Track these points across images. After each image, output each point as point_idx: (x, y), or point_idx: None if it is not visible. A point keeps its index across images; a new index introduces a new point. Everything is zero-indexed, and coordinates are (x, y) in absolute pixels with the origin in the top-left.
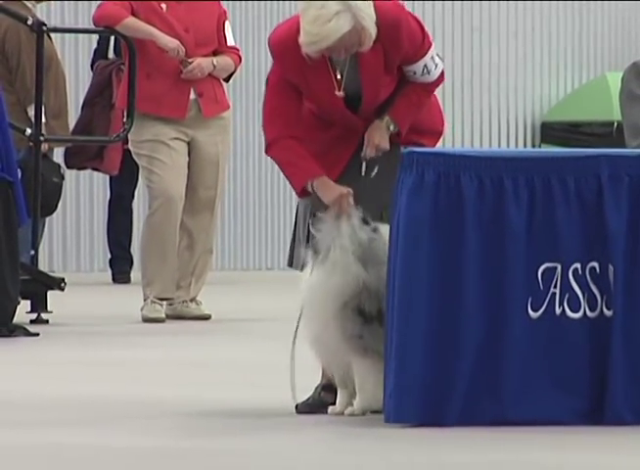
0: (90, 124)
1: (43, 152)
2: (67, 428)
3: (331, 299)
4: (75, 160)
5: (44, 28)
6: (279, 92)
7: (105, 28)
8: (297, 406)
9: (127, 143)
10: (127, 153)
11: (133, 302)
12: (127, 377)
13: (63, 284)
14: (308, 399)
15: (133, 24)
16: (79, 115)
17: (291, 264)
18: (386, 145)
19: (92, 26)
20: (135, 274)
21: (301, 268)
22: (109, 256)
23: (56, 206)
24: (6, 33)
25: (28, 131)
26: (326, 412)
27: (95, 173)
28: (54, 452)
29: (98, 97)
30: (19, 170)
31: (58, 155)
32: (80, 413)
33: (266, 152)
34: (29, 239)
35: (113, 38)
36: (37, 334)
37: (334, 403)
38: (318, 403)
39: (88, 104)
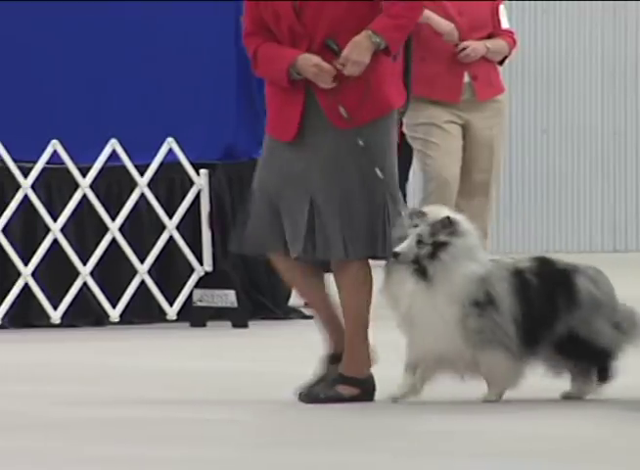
0: None
1: None
2: (354, 409)
3: (451, 304)
4: None
5: None
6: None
7: None
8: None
9: (402, 126)
10: (402, 136)
11: None
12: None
13: None
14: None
15: None
16: None
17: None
18: (364, 59)
19: None
20: None
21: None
22: None
23: None
24: None
25: None
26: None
27: None
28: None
29: None
30: None
31: None
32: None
33: (254, 68)
34: None
35: None
36: (312, 317)
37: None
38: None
39: None
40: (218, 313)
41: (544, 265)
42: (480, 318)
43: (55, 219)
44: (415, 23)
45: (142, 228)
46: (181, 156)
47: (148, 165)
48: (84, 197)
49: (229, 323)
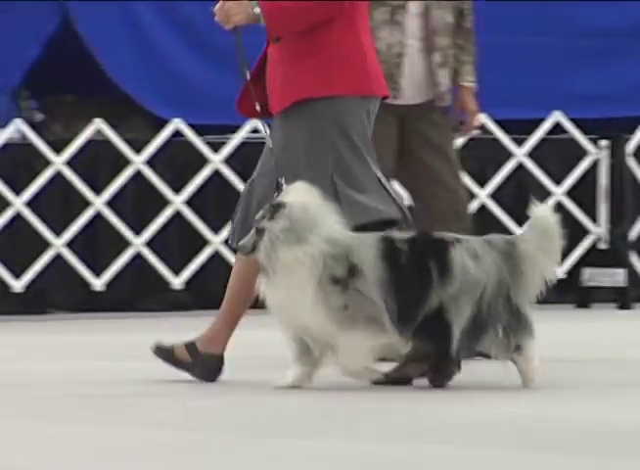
0: None
1: None
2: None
3: (303, 286)
4: None
5: None
6: None
7: None
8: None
9: None
10: None
11: None
12: None
13: None
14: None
15: None
16: None
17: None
18: (237, 12)
19: None
20: None
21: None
22: None
23: None
24: None
25: None
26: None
27: None
28: None
29: None
30: None
31: None
32: None
33: None
34: None
35: None
36: None
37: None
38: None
39: None
40: None
41: (419, 235)
42: (341, 295)
43: None
44: (307, 19)
45: None
46: None
47: None
48: None
49: None
